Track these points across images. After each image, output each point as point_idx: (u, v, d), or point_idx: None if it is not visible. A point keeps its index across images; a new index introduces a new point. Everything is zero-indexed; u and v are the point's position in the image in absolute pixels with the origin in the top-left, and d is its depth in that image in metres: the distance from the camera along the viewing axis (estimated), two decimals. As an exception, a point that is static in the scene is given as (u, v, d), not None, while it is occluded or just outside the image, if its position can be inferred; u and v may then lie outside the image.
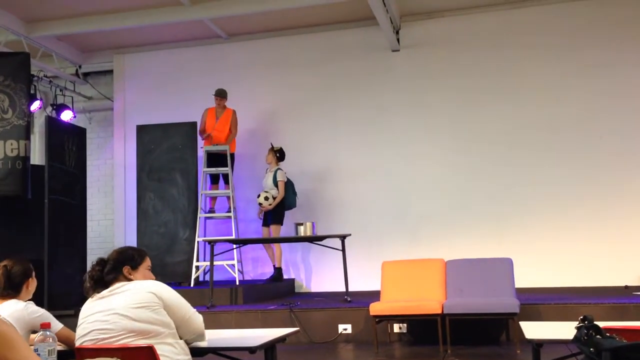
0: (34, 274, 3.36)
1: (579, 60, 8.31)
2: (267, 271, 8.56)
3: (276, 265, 8.20)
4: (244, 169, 8.97)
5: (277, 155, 8.26)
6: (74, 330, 3.13)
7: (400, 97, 8.84)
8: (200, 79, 9.25)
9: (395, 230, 8.56)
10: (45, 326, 2.56)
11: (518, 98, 8.45)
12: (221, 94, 8.47)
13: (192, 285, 7.84)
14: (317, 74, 9.17)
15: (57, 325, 3.05)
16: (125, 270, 2.89)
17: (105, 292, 2.79)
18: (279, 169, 8.20)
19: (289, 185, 8.23)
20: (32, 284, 3.33)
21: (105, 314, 2.70)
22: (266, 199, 7.98)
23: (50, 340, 2.48)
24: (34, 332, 3.00)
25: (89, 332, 2.71)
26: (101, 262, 2.90)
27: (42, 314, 3.10)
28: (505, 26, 8.62)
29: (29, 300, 3.26)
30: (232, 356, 3.13)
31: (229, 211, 8.36)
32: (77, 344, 2.75)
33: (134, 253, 2.99)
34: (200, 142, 8.53)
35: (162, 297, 2.75)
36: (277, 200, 8.03)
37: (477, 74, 8.60)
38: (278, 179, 8.09)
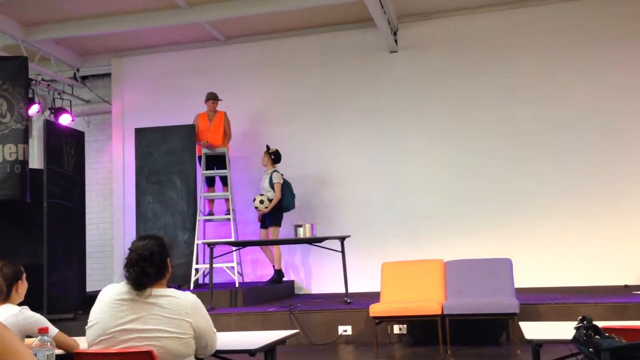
0: (24, 276, 3.29)
1: (579, 59, 8.31)
2: (267, 273, 8.55)
3: (276, 267, 8.21)
4: (240, 171, 8.96)
5: (273, 157, 8.26)
6: (71, 335, 3.11)
7: (398, 98, 8.83)
8: (198, 81, 9.24)
9: (395, 231, 8.56)
10: (43, 331, 2.53)
11: (517, 98, 8.45)
12: (216, 97, 8.48)
13: (191, 287, 7.83)
14: (315, 76, 9.17)
15: (52, 330, 3.00)
16: (169, 260, 2.76)
17: (143, 296, 2.63)
18: (275, 171, 8.19)
19: (286, 186, 8.22)
20: (22, 286, 3.28)
21: (134, 325, 2.59)
22: (261, 202, 7.97)
23: (49, 346, 2.45)
24: (29, 336, 2.97)
25: (109, 338, 2.62)
26: (148, 258, 2.65)
27: (37, 318, 3.06)
28: (503, 26, 8.62)
29: (22, 304, 3.20)
30: (232, 359, 3.12)
31: (228, 213, 8.36)
32: (89, 342, 2.67)
33: (168, 242, 2.81)
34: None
35: (197, 327, 2.66)
36: (274, 203, 8.03)
37: (475, 75, 8.60)
38: (274, 181, 8.09)
